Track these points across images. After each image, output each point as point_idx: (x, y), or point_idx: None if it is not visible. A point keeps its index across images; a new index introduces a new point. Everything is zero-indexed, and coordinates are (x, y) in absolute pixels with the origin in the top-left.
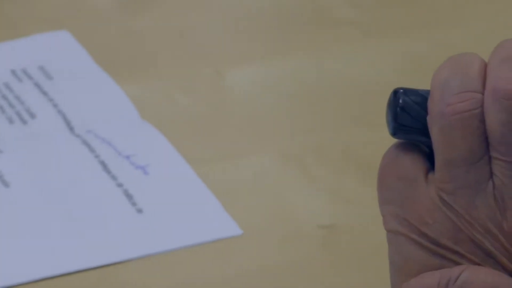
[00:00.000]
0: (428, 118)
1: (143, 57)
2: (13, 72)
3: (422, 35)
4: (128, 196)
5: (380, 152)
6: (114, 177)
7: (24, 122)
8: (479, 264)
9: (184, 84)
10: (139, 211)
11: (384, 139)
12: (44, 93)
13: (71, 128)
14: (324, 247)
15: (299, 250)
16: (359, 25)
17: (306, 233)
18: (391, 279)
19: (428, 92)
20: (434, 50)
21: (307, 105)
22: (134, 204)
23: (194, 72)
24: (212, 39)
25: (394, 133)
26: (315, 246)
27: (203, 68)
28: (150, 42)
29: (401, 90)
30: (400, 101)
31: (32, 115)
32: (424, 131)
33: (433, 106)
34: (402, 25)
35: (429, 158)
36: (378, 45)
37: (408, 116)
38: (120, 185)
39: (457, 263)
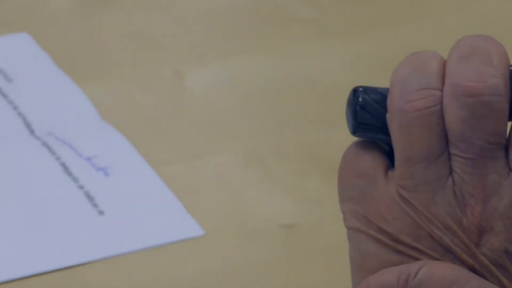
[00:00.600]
0: (388, 116)
1: (103, 58)
2: None
3: (380, 33)
4: (90, 198)
5: (340, 151)
6: (75, 179)
7: None
8: (438, 260)
9: (144, 85)
10: (101, 213)
11: (344, 138)
12: (4, 96)
13: (31, 131)
14: (286, 246)
15: (261, 249)
16: (317, 24)
17: (268, 233)
18: (352, 276)
19: (387, 90)
20: (393, 48)
21: (268, 105)
22: (95, 206)
23: (154, 72)
24: (171, 39)
25: (354, 132)
26: (277, 246)
27: (163, 69)
28: (110, 43)
29: (361, 89)
30: (360, 99)
31: None
32: (383, 129)
33: (393, 103)
34: (360, 23)
35: (389, 156)
36: (336, 44)
37: (368, 114)
38: (81, 187)
39: (416, 259)
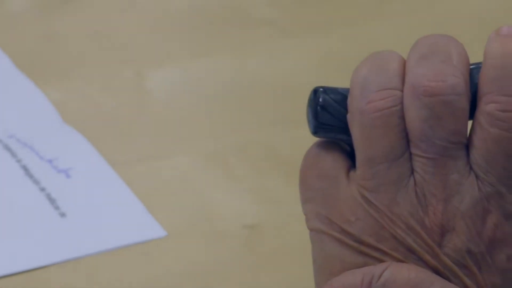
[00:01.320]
0: (348, 116)
1: (63, 60)
2: None
3: (341, 33)
4: (51, 200)
5: (302, 151)
6: (36, 181)
7: None
8: (402, 261)
9: (106, 86)
10: (62, 215)
11: (306, 138)
12: None
13: None
14: (248, 247)
15: (224, 250)
16: (278, 24)
17: (230, 233)
18: (315, 278)
19: (348, 90)
20: (353, 47)
21: (229, 105)
22: (57, 208)
23: (115, 74)
24: (133, 40)
25: (315, 132)
26: (240, 246)
27: (124, 70)
28: (70, 44)
29: (321, 89)
30: (320, 99)
31: None
32: (344, 129)
33: (353, 103)
34: (321, 24)
35: (351, 156)
36: (297, 44)
37: (329, 114)
38: (42, 189)
39: (380, 261)
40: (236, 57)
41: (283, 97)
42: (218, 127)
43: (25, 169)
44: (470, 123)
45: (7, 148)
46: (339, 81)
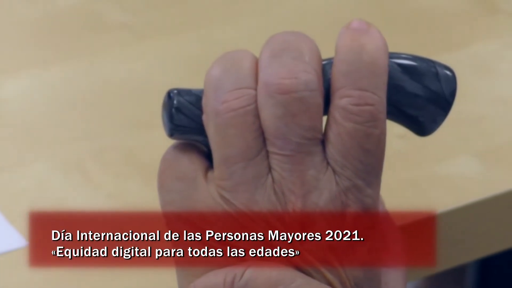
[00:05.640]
0: (204, 117)
1: None
2: None
3: (195, 35)
4: None
5: (160, 154)
6: None
7: None
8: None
9: None
10: None
11: (163, 141)
12: None
13: None
14: None
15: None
16: (131, 28)
17: None
18: (178, 281)
19: (202, 91)
20: (207, 49)
21: (85, 111)
22: None
23: None
24: None
25: (171, 134)
26: None
27: None
28: None
29: (175, 91)
30: (175, 102)
31: None
32: (200, 130)
33: (207, 104)
34: (174, 26)
35: (208, 156)
36: (151, 47)
37: (184, 116)
38: None
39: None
40: (90, 62)
41: (139, 100)
42: (75, 134)
43: None
44: (325, 118)
45: None
46: (194, 83)
